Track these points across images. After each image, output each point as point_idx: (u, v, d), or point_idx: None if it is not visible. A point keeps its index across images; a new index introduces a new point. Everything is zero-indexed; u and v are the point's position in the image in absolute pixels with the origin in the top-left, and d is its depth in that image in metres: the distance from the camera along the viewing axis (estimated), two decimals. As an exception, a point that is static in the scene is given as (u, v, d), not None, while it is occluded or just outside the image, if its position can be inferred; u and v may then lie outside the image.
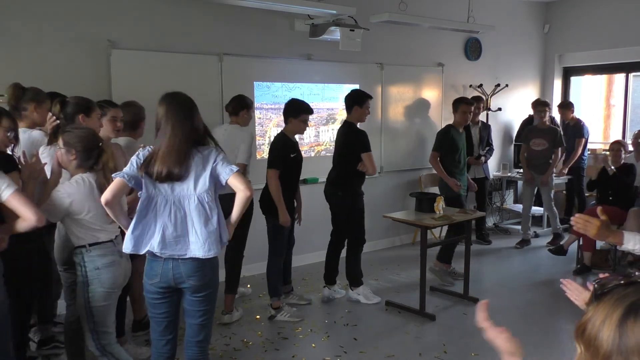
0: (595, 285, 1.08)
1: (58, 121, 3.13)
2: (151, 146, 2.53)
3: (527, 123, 7.31)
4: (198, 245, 2.49)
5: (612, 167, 5.57)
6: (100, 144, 2.75)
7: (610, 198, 5.51)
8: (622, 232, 2.21)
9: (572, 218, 2.24)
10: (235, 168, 2.53)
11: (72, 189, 2.65)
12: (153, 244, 2.48)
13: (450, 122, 5.44)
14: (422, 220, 4.45)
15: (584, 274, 5.36)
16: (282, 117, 4.41)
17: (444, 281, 5.09)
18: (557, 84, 8.02)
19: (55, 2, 4.25)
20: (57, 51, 4.25)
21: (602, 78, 8.78)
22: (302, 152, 4.47)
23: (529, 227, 6.51)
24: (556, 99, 7.85)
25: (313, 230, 5.32)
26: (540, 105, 6.43)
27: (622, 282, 1.05)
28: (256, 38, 5.26)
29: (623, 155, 5.65)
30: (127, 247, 2.50)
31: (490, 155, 6.65)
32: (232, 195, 2.56)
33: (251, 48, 5.23)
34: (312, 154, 5.71)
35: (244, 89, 5.11)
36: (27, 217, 2.33)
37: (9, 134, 2.72)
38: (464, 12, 6.32)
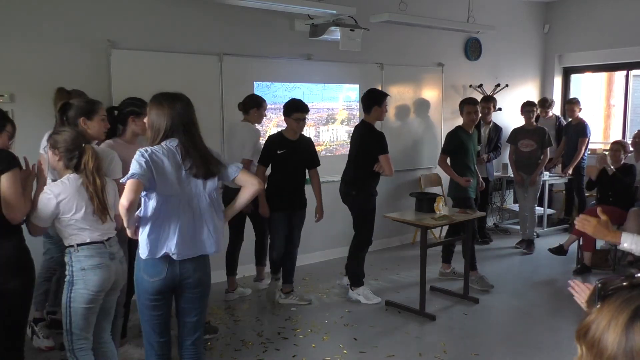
0: (599, 285, 1.08)
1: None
2: (150, 147, 2.48)
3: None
4: (210, 243, 2.58)
5: (612, 167, 5.56)
6: (83, 144, 2.68)
7: (611, 199, 5.51)
8: (620, 232, 2.28)
9: (577, 218, 2.33)
10: (240, 165, 2.65)
11: (58, 189, 2.62)
12: (170, 246, 2.48)
13: (451, 122, 5.43)
14: (422, 220, 4.45)
15: (584, 274, 5.36)
16: (281, 117, 4.63)
17: (484, 286, 4.96)
18: (557, 84, 8.03)
19: (56, 2, 4.25)
20: (57, 51, 4.25)
21: (602, 78, 8.79)
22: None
23: (527, 227, 6.33)
24: (556, 99, 7.85)
25: (313, 231, 5.32)
26: (528, 105, 6.40)
27: (625, 283, 1.05)
28: (256, 38, 5.26)
29: (623, 156, 5.64)
30: (143, 252, 2.49)
31: (495, 157, 6.63)
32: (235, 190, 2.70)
33: (251, 48, 5.23)
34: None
35: (244, 89, 5.12)
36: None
37: (10, 142, 2.77)
38: (464, 12, 6.33)
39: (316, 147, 4.79)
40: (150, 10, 4.67)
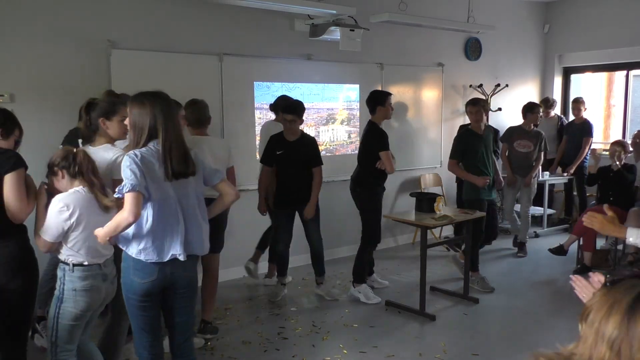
0: (608, 278, 1.16)
1: None
2: (138, 150, 2.41)
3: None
4: (200, 244, 2.59)
5: (617, 163, 5.57)
6: (75, 149, 2.64)
7: (611, 198, 5.51)
8: (625, 227, 2.37)
9: (583, 215, 2.41)
10: (223, 174, 2.72)
11: (69, 199, 2.51)
12: (177, 249, 2.48)
13: (451, 122, 5.43)
14: (422, 220, 4.45)
15: (584, 274, 5.34)
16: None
17: (485, 288, 4.95)
18: (557, 84, 8.03)
19: (56, 2, 4.25)
20: (57, 51, 4.25)
21: (602, 78, 8.79)
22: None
23: (521, 230, 6.24)
24: (556, 99, 7.83)
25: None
26: (536, 107, 6.18)
27: (629, 274, 1.10)
28: (256, 38, 5.26)
29: (623, 156, 5.65)
30: (151, 257, 2.44)
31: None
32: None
33: (251, 48, 5.23)
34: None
35: (244, 89, 5.14)
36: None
37: (16, 147, 2.80)
38: (464, 12, 6.33)
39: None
40: (150, 10, 4.67)
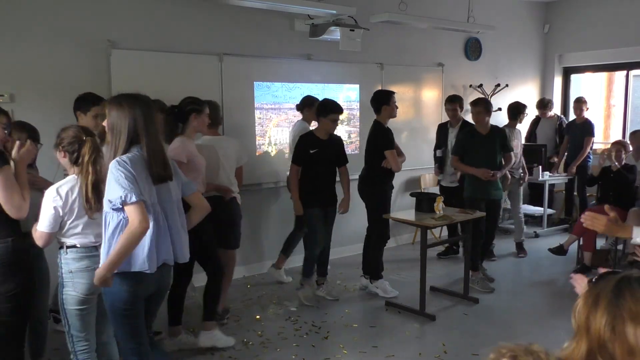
0: (592, 279, 1.27)
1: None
2: (125, 156, 2.35)
3: (535, 123, 7.31)
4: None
5: (616, 163, 5.57)
6: (85, 137, 2.61)
7: (611, 198, 5.51)
8: (631, 226, 2.31)
9: (582, 215, 2.35)
10: (195, 187, 2.72)
11: (62, 188, 2.52)
12: (169, 254, 2.49)
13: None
14: (422, 220, 4.45)
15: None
16: (281, 117, 4.74)
17: (485, 288, 4.95)
18: (557, 84, 8.03)
19: (56, 2, 4.25)
20: (57, 51, 4.25)
21: (602, 78, 8.79)
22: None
23: (517, 232, 6.16)
24: (556, 99, 7.85)
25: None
26: (520, 108, 6.06)
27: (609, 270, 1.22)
28: (256, 38, 5.26)
29: (623, 156, 5.65)
30: (151, 267, 2.38)
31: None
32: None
33: (251, 48, 5.23)
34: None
35: (244, 89, 5.13)
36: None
37: (6, 131, 2.76)
38: (464, 12, 6.32)
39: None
40: (150, 10, 4.67)
